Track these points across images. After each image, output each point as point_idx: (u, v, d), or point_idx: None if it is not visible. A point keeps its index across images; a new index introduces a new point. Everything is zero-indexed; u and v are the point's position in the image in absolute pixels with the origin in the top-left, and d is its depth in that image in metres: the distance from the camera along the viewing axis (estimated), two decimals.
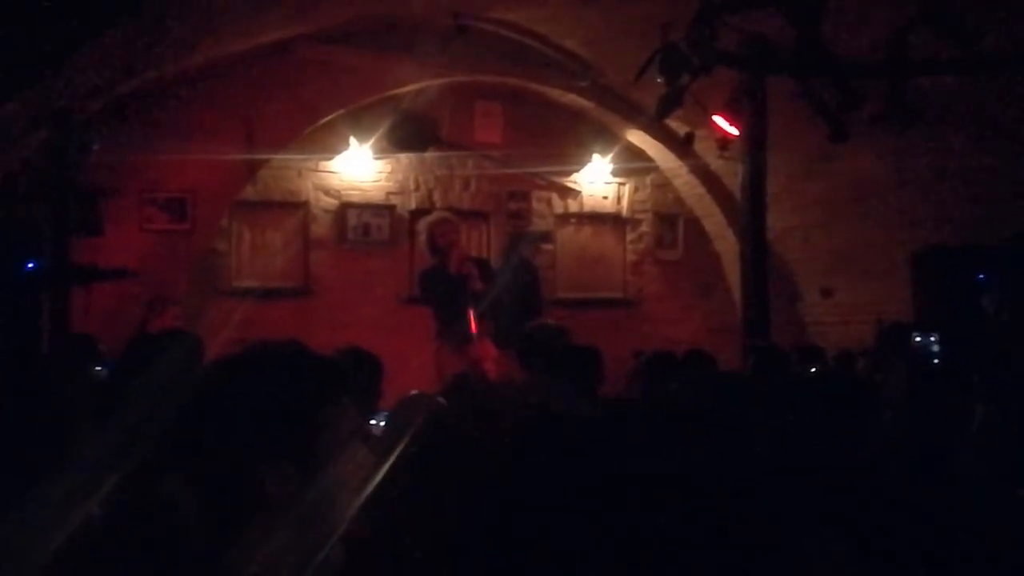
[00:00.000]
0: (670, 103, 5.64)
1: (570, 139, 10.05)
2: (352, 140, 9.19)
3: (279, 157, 8.92)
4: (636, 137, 10.01)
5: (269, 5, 7.09)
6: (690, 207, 10.54)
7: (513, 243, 9.49)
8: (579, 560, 2.00)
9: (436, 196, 9.71)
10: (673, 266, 10.60)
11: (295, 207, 9.32)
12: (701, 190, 10.17)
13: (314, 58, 8.60)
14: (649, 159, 10.25)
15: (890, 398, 3.29)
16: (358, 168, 9.40)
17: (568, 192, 10.22)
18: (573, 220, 10.35)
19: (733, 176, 8.78)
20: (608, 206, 10.41)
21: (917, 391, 3.25)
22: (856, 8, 6.32)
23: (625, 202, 10.46)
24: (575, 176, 10.19)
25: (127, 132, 7.76)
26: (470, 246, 8.92)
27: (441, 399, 3.03)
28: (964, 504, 2.17)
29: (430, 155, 9.55)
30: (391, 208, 9.58)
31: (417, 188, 9.69)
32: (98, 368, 4.49)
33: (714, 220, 10.34)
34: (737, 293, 9.39)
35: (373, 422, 4.11)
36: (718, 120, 7.53)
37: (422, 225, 7.70)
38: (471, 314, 7.08)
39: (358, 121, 9.12)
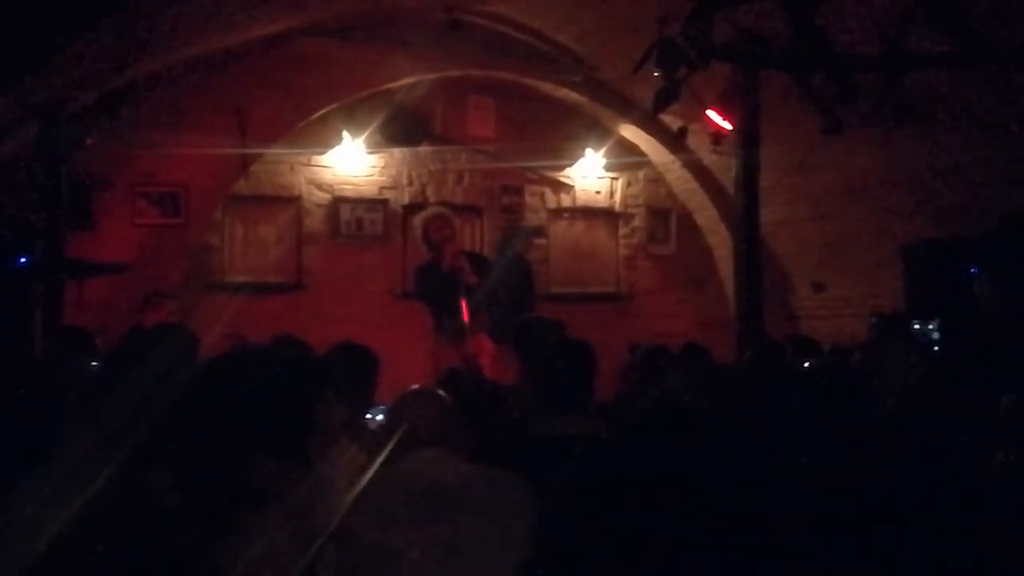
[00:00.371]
0: (667, 97, 5.64)
1: (563, 133, 10.05)
2: (345, 134, 9.17)
3: (272, 151, 8.90)
4: (629, 132, 10.02)
5: None
6: (683, 202, 10.56)
7: (506, 238, 9.48)
8: None
9: (429, 191, 9.70)
10: (666, 260, 10.61)
11: (288, 201, 9.30)
12: (694, 185, 10.18)
13: (307, 52, 8.58)
14: (642, 154, 10.26)
15: (891, 386, 3.29)
16: (351, 162, 9.39)
17: (561, 187, 10.23)
18: (566, 215, 10.35)
19: (726, 171, 8.79)
20: (601, 201, 10.42)
21: (922, 381, 3.26)
22: (853, 0, 6.32)
23: (618, 197, 10.47)
24: (568, 171, 10.19)
25: (119, 126, 7.73)
26: (463, 241, 8.90)
27: (443, 393, 3.03)
28: (992, 498, 2.18)
29: (423, 149, 9.54)
30: (384, 203, 9.57)
31: (410, 183, 9.68)
32: (93, 363, 4.47)
33: (706, 215, 10.35)
34: (729, 287, 9.42)
35: (368, 416, 4.12)
36: (711, 115, 7.54)
37: (418, 220, 7.70)
38: (464, 308, 7.09)
39: (351, 115, 9.11)
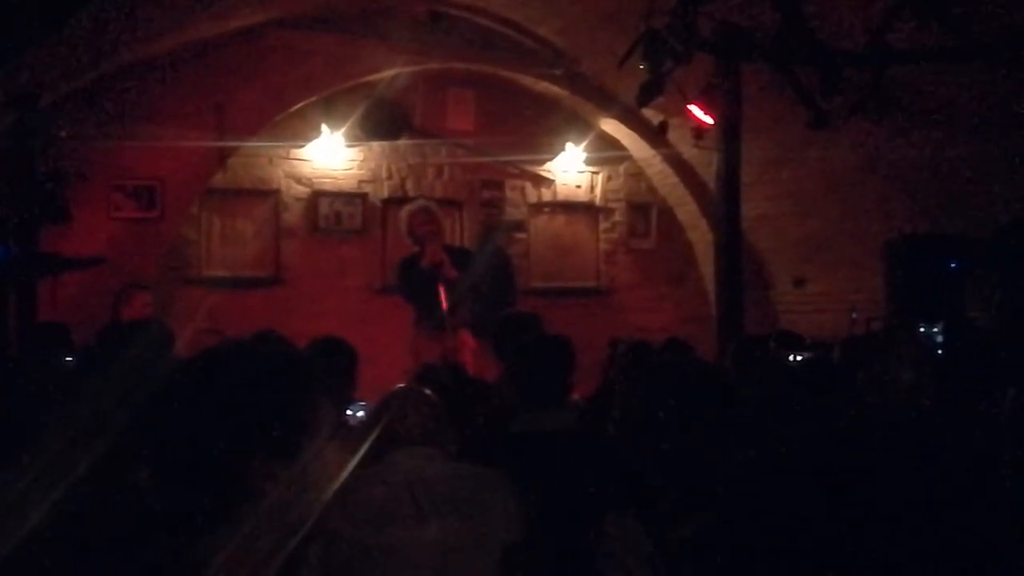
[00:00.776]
0: (652, 90, 5.64)
1: (543, 127, 10.02)
2: (324, 127, 9.10)
3: (249, 144, 8.81)
4: (610, 126, 10.00)
5: None
6: (663, 196, 10.55)
7: (487, 232, 9.46)
8: None
9: (409, 184, 9.65)
10: (646, 255, 10.61)
11: (266, 195, 9.22)
12: (674, 179, 10.18)
13: (286, 44, 8.51)
14: (623, 148, 10.25)
15: (897, 388, 3.28)
16: (330, 156, 9.32)
17: (542, 181, 10.20)
18: (547, 209, 10.33)
19: (707, 165, 8.79)
20: (581, 195, 10.40)
21: (929, 383, 3.24)
22: None
23: (598, 191, 10.45)
24: (549, 165, 10.16)
25: (95, 118, 7.64)
26: (443, 235, 8.84)
27: (429, 392, 2.99)
28: (998, 497, 2.16)
29: (403, 143, 9.49)
30: (363, 196, 9.51)
31: (390, 176, 9.63)
32: (68, 358, 4.41)
33: (687, 209, 10.36)
34: (710, 282, 9.42)
35: (349, 412, 4.08)
36: (693, 109, 7.52)
37: (403, 213, 7.66)
38: (444, 302, 7.06)
39: (330, 108, 9.04)
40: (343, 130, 9.12)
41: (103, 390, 2.81)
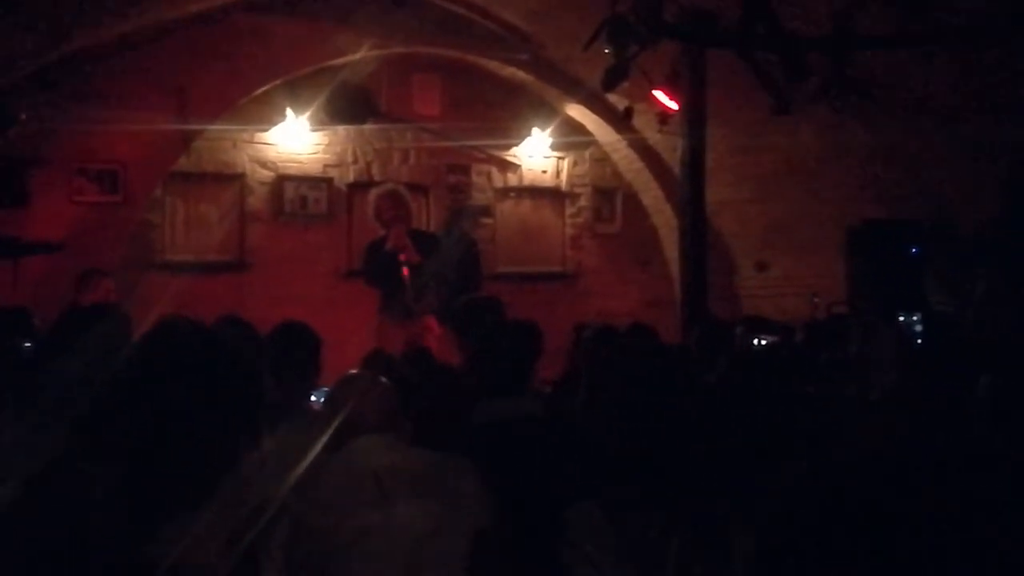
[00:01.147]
0: (617, 75, 5.65)
1: (509, 112, 10.02)
2: (288, 111, 9.04)
3: (213, 128, 8.74)
4: (575, 111, 10.01)
5: None
6: (628, 181, 10.59)
7: (453, 217, 9.46)
8: None
9: (375, 169, 9.62)
10: (611, 240, 10.65)
11: (230, 179, 9.16)
12: (639, 165, 10.22)
13: (249, 27, 8.43)
14: (588, 133, 10.27)
15: (876, 377, 3.32)
16: (295, 140, 9.27)
17: (508, 166, 10.20)
18: (513, 194, 10.34)
19: (671, 151, 8.83)
20: (547, 180, 10.42)
21: (907, 372, 3.28)
22: None
23: (564, 176, 10.47)
24: (514, 150, 10.16)
25: (55, 101, 7.54)
26: (411, 219, 8.83)
27: (384, 379, 3.00)
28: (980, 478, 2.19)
29: (368, 127, 9.44)
30: (329, 181, 9.46)
31: (355, 161, 9.59)
32: (27, 344, 4.37)
33: (652, 195, 10.40)
34: (674, 267, 9.48)
35: (313, 398, 4.08)
36: (658, 95, 7.56)
37: (371, 196, 7.67)
38: (408, 287, 7.06)
39: (295, 92, 8.98)
40: (308, 114, 9.06)
41: (61, 376, 2.80)
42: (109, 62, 7.93)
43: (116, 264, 8.00)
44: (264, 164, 9.23)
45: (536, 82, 9.77)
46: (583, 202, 10.56)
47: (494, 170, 10.17)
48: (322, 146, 9.43)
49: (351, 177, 9.55)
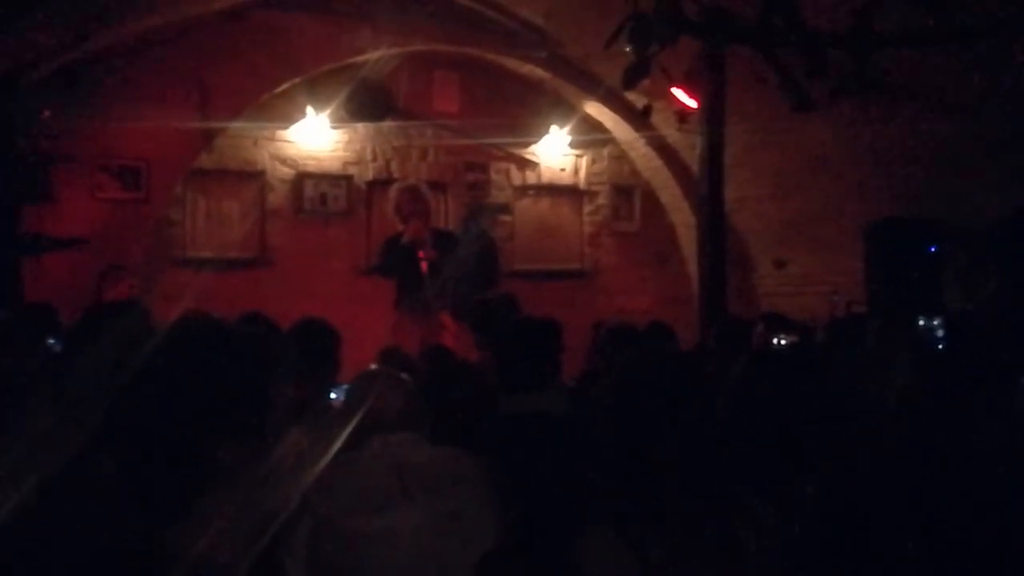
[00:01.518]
0: (638, 73, 5.65)
1: (528, 110, 10.03)
2: (309, 109, 9.09)
3: (234, 125, 8.80)
4: (594, 109, 10.01)
5: None
6: (646, 179, 10.59)
7: (471, 215, 9.49)
8: None
9: (394, 166, 9.65)
10: (629, 238, 10.65)
11: (251, 176, 9.21)
12: (658, 162, 10.21)
13: (270, 24, 8.48)
14: (606, 131, 10.27)
15: (893, 381, 3.31)
16: (315, 138, 9.31)
17: (526, 164, 10.22)
18: (531, 192, 10.35)
19: (690, 148, 8.82)
20: (566, 178, 10.43)
21: (927, 377, 3.26)
22: None
23: (582, 174, 10.48)
24: (533, 148, 10.17)
25: (79, 98, 7.61)
26: (430, 216, 8.86)
27: (404, 375, 3.01)
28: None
29: (387, 125, 9.48)
30: (348, 178, 9.51)
31: (375, 158, 9.63)
32: (52, 341, 4.42)
33: (670, 192, 10.39)
34: (692, 264, 9.48)
35: (333, 396, 4.10)
36: (677, 92, 7.55)
37: (392, 191, 7.73)
38: (425, 281, 7.10)
39: (315, 90, 9.02)
40: (328, 112, 9.11)
41: (84, 373, 2.83)
42: (131, 60, 8.00)
43: (138, 260, 8.08)
44: (284, 161, 9.28)
45: (554, 80, 9.78)
46: (601, 200, 10.57)
47: (512, 168, 10.19)
48: (342, 144, 9.47)
49: (370, 175, 9.59)
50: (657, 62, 6.01)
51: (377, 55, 8.96)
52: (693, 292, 8.97)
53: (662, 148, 9.99)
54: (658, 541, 2.14)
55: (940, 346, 5.61)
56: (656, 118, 8.69)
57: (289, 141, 9.26)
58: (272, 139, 9.20)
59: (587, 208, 10.54)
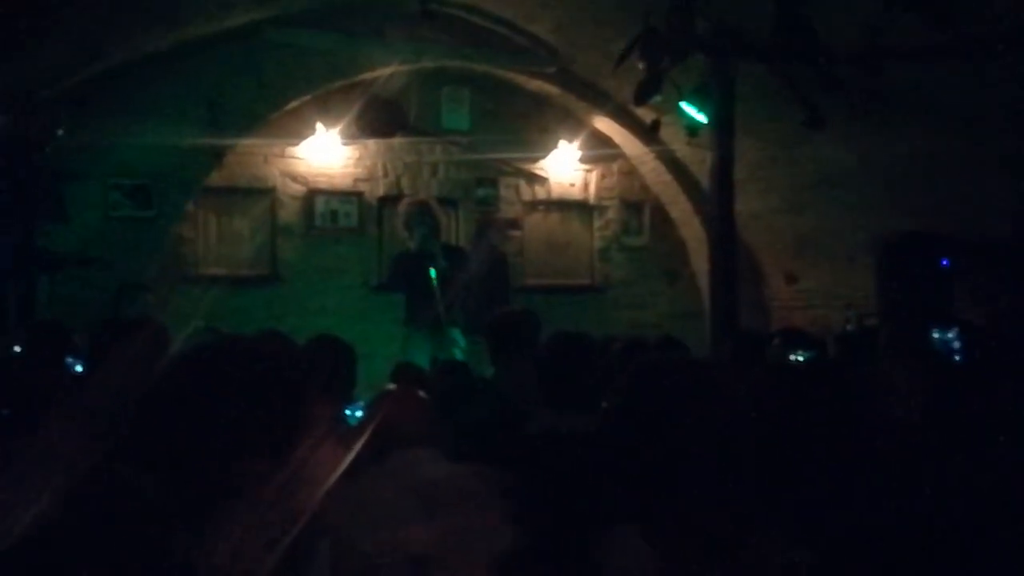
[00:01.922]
0: (650, 88, 5.68)
1: (537, 125, 10.07)
2: (319, 126, 9.13)
3: (245, 142, 8.84)
4: (603, 124, 10.04)
5: None
6: (656, 194, 10.60)
7: (481, 230, 9.50)
8: None
9: (404, 183, 9.68)
10: (639, 252, 10.66)
11: (262, 193, 9.24)
12: (667, 177, 10.23)
13: (280, 42, 8.53)
14: (615, 146, 10.29)
15: (907, 397, 3.29)
16: (325, 154, 9.35)
17: (536, 179, 10.24)
18: (541, 207, 10.37)
19: (699, 163, 8.84)
20: (575, 193, 10.44)
21: (942, 391, 3.24)
22: None
23: (592, 189, 10.50)
24: (542, 163, 10.20)
25: (91, 117, 7.65)
26: (440, 231, 8.89)
27: (422, 393, 3.02)
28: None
29: (398, 141, 9.52)
30: (359, 195, 9.54)
31: (385, 175, 9.66)
32: (69, 358, 4.44)
33: (680, 207, 10.41)
34: (702, 279, 9.49)
35: (348, 412, 4.11)
36: (686, 107, 7.56)
37: (401, 205, 7.79)
38: (437, 299, 7.12)
39: (325, 106, 9.07)
40: (339, 128, 9.14)
41: (101, 389, 2.84)
42: (142, 78, 8.04)
43: (151, 278, 8.11)
44: (295, 178, 9.32)
45: (563, 95, 9.81)
46: (611, 215, 10.58)
47: (522, 183, 10.21)
48: (352, 160, 9.50)
49: (381, 191, 9.62)
50: (668, 77, 6.04)
51: (387, 72, 9.00)
52: (704, 307, 8.98)
53: (672, 163, 10.01)
54: (678, 546, 2.14)
55: (956, 357, 5.60)
56: (665, 133, 8.71)
57: (300, 158, 9.29)
58: (282, 156, 9.23)
59: (597, 223, 10.55)
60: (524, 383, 3.92)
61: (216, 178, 8.95)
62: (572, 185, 10.40)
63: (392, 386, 3.22)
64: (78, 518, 1.95)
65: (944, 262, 7.97)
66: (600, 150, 10.25)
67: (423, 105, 9.55)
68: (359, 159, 9.53)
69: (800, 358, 4.61)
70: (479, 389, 3.85)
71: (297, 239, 9.32)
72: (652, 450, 2.33)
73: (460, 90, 9.75)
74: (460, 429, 3.06)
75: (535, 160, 10.14)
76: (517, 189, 10.20)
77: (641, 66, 5.64)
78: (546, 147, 10.11)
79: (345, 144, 9.35)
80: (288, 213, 9.30)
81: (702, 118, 7.60)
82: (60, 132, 7.08)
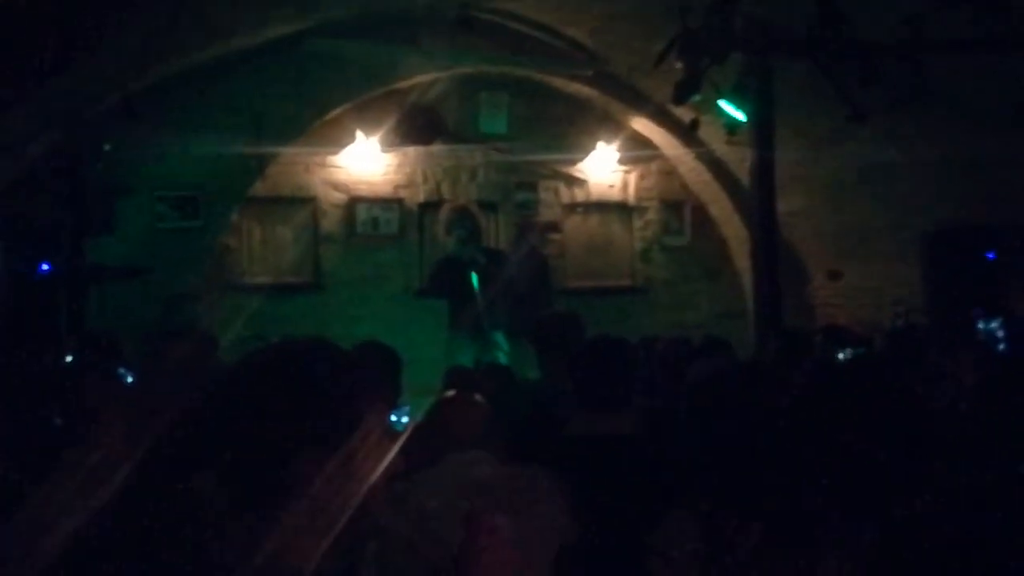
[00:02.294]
0: (688, 88, 5.67)
1: (575, 128, 10.06)
2: (359, 134, 9.21)
3: (287, 152, 8.95)
4: (641, 125, 10.02)
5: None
6: (696, 193, 10.55)
7: (521, 233, 9.53)
8: None
9: (444, 188, 9.73)
10: (680, 252, 10.62)
11: (304, 202, 9.34)
12: (707, 176, 10.18)
13: (321, 52, 8.61)
14: (654, 147, 10.26)
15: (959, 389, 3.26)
16: (366, 162, 9.43)
17: (575, 181, 10.24)
18: (580, 209, 10.36)
19: (739, 161, 8.79)
20: (615, 194, 10.43)
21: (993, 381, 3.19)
22: None
23: (631, 190, 10.47)
24: (581, 165, 10.20)
25: (137, 130, 7.78)
26: (480, 235, 8.92)
27: (480, 398, 3.05)
28: None
29: (437, 147, 9.57)
30: (400, 201, 9.60)
31: (425, 181, 9.72)
32: (119, 367, 4.53)
33: (720, 206, 10.36)
34: (745, 278, 9.43)
35: (394, 417, 4.13)
36: (725, 105, 7.54)
37: (442, 211, 7.84)
38: (479, 303, 7.15)
39: (365, 114, 9.15)
40: (378, 136, 9.22)
41: (151, 397, 2.90)
42: (187, 91, 8.17)
43: (197, 288, 8.23)
44: (336, 186, 9.41)
45: (601, 97, 9.81)
46: (651, 215, 10.55)
47: (561, 186, 10.22)
48: (392, 167, 9.57)
49: (421, 197, 9.67)
50: (706, 76, 6.02)
51: (426, 79, 9.06)
52: (747, 306, 8.92)
53: (711, 162, 9.96)
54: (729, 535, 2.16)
55: (1000, 347, 5.53)
56: (704, 132, 8.68)
57: (340, 166, 9.38)
58: (323, 165, 9.33)
59: (637, 224, 10.52)
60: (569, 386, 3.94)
61: (259, 188, 9.07)
62: (611, 186, 10.39)
63: (451, 392, 3.25)
64: (132, 521, 2.00)
65: (990, 255, 7.87)
66: (639, 151, 10.23)
67: (461, 110, 9.60)
68: (399, 166, 9.59)
69: (846, 355, 4.57)
70: (521, 392, 3.86)
71: (339, 247, 9.40)
72: (707, 449, 2.35)
73: (498, 95, 9.78)
74: (500, 432, 3.08)
75: (574, 162, 10.14)
76: (556, 192, 10.21)
77: (679, 66, 5.63)
78: (585, 149, 10.11)
79: (385, 151, 9.42)
80: (330, 221, 9.39)
81: (741, 116, 7.57)
82: (107, 146, 7.22)
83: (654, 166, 10.49)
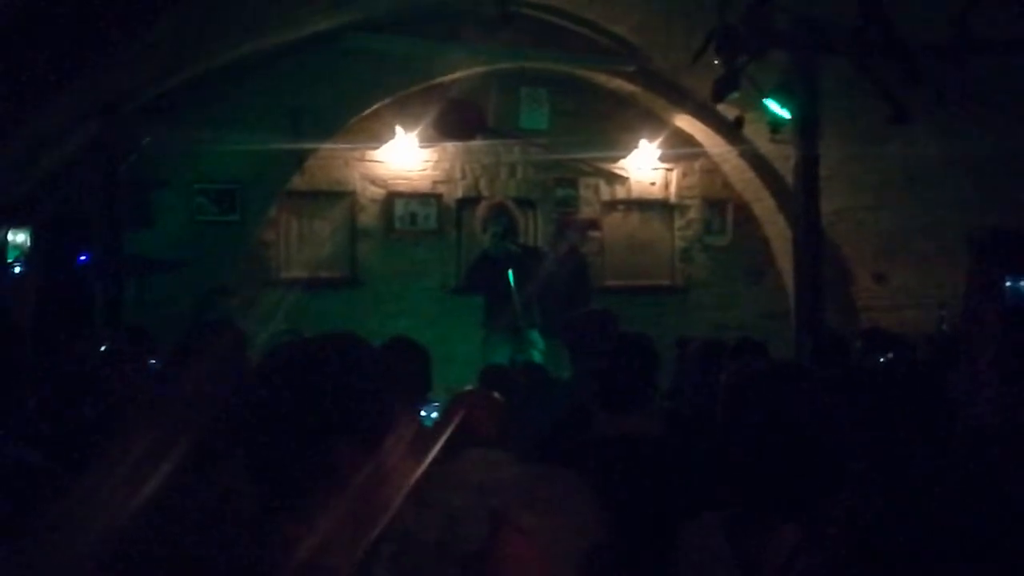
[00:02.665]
0: (727, 85, 5.56)
1: (617, 125, 9.96)
2: (398, 129, 9.19)
3: (326, 147, 8.95)
4: (684, 122, 9.90)
5: None
6: (739, 192, 10.42)
7: (560, 231, 9.46)
8: None
9: (483, 184, 9.68)
10: (722, 252, 10.48)
11: (342, 197, 9.34)
12: (750, 174, 10.03)
13: (359, 47, 8.61)
14: (697, 144, 10.14)
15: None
16: (404, 157, 9.40)
17: (615, 178, 10.15)
18: (621, 207, 10.27)
19: (784, 160, 8.65)
20: (656, 192, 10.32)
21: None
22: None
23: (673, 188, 10.36)
24: (622, 162, 10.10)
25: (176, 123, 7.82)
26: (518, 232, 8.86)
27: (496, 394, 3.00)
28: None
29: (476, 143, 9.52)
30: (438, 197, 9.57)
31: (464, 176, 9.67)
32: (152, 360, 4.54)
33: (763, 205, 10.21)
34: (788, 278, 9.28)
35: (423, 413, 4.10)
36: (770, 103, 7.41)
37: (480, 208, 7.79)
38: (515, 301, 7.10)
39: (404, 110, 9.13)
40: (417, 131, 9.19)
41: (184, 392, 2.87)
42: (226, 85, 8.20)
43: (235, 281, 8.25)
44: (374, 181, 9.39)
45: (644, 93, 9.71)
46: (692, 214, 10.42)
47: (602, 183, 10.13)
48: (431, 163, 9.54)
49: (459, 193, 9.64)
50: (747, 74, 5.92)
51: (465, 74, 9.02)
52: (790, 307, 8.78)
53: (755, 160, 9.82)
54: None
55: None
56: (749, 130, 8.55)
57: (379, 161, 9.37)
58: (362, 159, 9.32)
59: (678, 222, 10.40)
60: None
61: (298, 182, 9.08)
62: (652, 184, 10.28)
63: (468, 387, 3.20)
64: (167, 514, 1.97)
65: None
66: (681, 148, 10.11)
67: (501, 106, 9.54)
68: (437, 161, 9.56)
69: (886, 360, 4.46)
70: (552, 391, 3.80)
71: (376, 242, 9.39)
72: (739, 450, 2.29)
73: (538, 90, 9.71)
74: (531, 431, 3.03)
75: (615, 160, 10.04)
76: (596, 189, 10.12)
77: (717, 62, 5.52)
78: (626, 146, 10.01)
79: (423, 147, 9.40)
80: (368, 216, 9.38)
81: (786, 114, 7.44)
82: (146, 140, 7.25)
83: (696, 164, 10.36)
